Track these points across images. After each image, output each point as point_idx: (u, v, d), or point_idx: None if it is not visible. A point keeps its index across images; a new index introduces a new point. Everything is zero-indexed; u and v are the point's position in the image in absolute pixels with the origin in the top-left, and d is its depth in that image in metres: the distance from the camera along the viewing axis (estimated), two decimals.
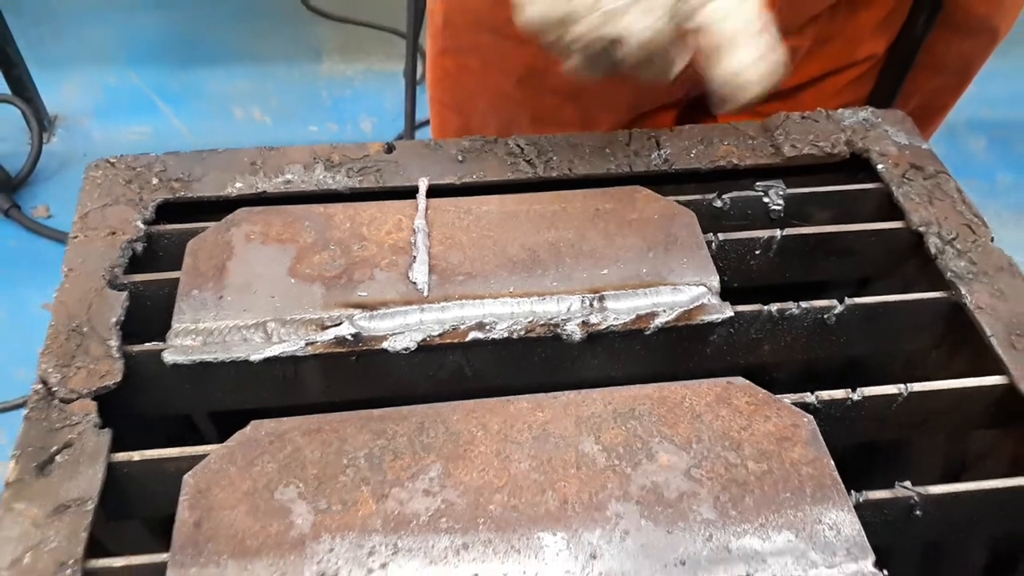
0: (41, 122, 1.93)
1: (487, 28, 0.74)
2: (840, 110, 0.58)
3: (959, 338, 0.48)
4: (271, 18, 2.40)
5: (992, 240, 0.51)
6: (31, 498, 0.38)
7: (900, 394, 0.44)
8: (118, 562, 0.37)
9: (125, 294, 0.46)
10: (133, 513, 0.41)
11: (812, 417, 0.40)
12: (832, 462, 0.39)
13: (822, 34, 0.71)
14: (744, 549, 0.36)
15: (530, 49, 0.71)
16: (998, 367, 0.45)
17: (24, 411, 0.42)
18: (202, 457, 0.39)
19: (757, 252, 0.51)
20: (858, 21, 0.71)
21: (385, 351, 0.43)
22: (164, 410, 0.46)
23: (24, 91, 1.93)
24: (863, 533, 0.36)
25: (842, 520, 0.37)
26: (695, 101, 0.74)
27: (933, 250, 0.50)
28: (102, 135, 2.02)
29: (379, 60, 2.31)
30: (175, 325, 0.44)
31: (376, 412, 0.40)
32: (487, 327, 0.44)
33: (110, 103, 2.12)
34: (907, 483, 0.40)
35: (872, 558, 0.36)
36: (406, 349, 0.43)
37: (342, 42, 2.36)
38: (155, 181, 0.52)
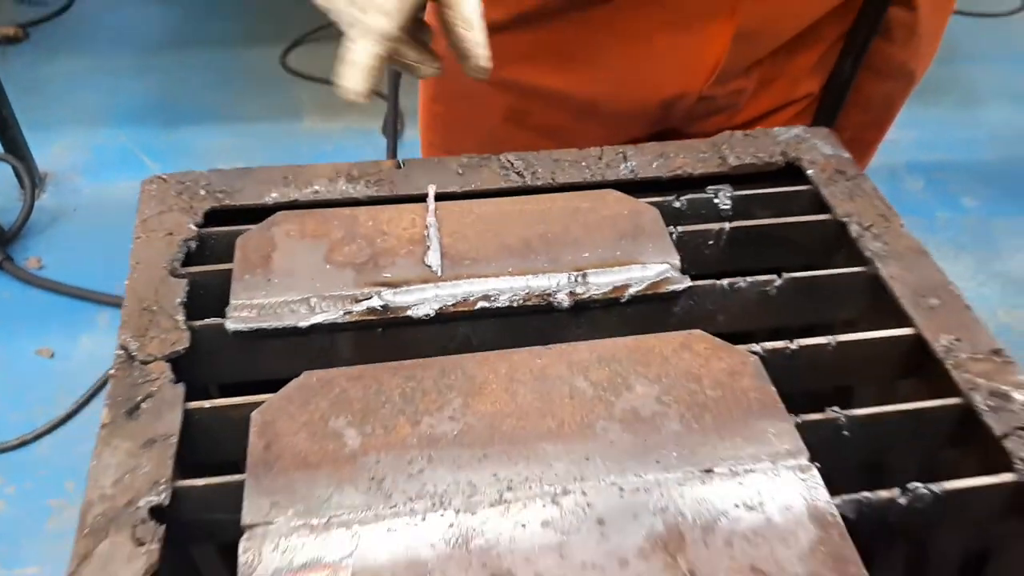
0: (33, 179, 2.02)
1: None
2: (776, 128, 0.70)
3: (877, 303, 0.58)
4: (253, 79, 2.53)
5: (902, 226, 0.62)
6: (124, 436, 0.46)
7: (829, 344, 0.54)
8: (201, 481, 0.45)
9: (185, 281, 0.55)
10: (204, 453, 0.49)
11: (757, 357, 0.50)
12: (774, 389, 0.48)
13: (765, 76, 0.83)
14: (705, 451, 0.45)
15: (511, 93, 0.83)
16: (908, 322, 0.55)
17: (103, 379, 0.50)
18: (260, 404, 0.47)
19: (710, 242, 0.62)
20: (796, 64, 0.83)
21: (409, 319, 0.53)
22: (223, 376, 0.54)
23: (17, 150, 2.02)
24: (799, 437, 0.46)
25: (783, 429, 0.46)
26: (659, 135, 0.85)
27: (854, 235, 0.61)
28: (91, 191, 2.10)
29: (356, 119, 2.44)
30: (233, 302, 0.52)
31: (406, 363, 0.49)
32: (491, 298, 0.54)
33: (98, 161, 2.21)
34: (836, 407, 0.50)
35: (807, 455, 0.45)
36: (427, 315, 0.52)
37: (321, 101, 2.49)
38: (202, 192, 0.62)
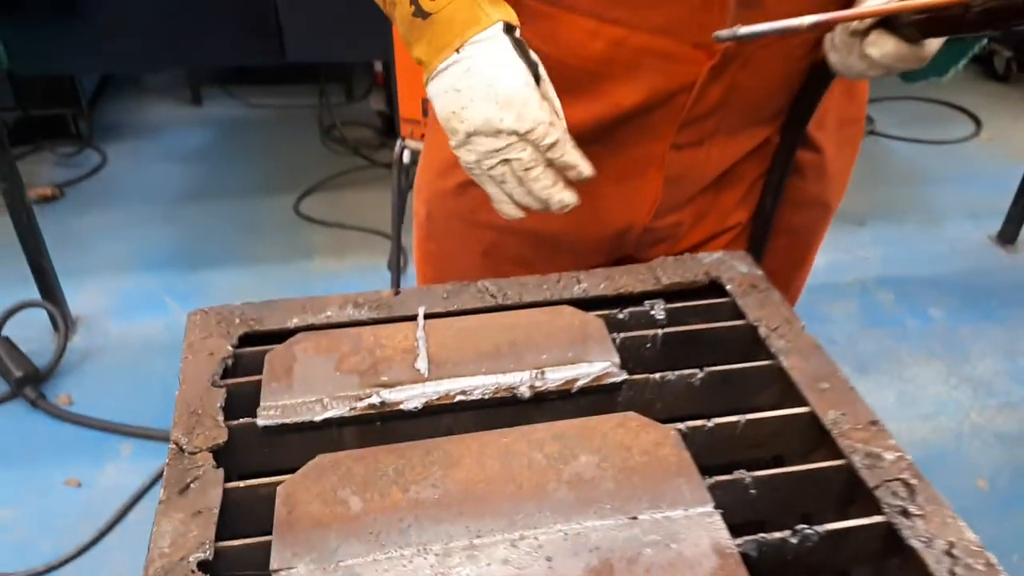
0: (66, 323, 2.19)
1: (457, 217, 1.02)
2: (701, 253, 0.86)
3: (781, 388, 0.72)
4: (269, 225, 2.75)
5: (803, 328, 0.76)
6: (177, 509, 0.59)
7: (739, 421, 0.67)
8: (237, 542, 0.57)
9: (224, 391, 0.69)
10: (239, 522, 0.61)
11: (677, 432, 0.63)
12: (689, 455, 0.61)
13: (698, 210, 0.99)
14: (632, 503, 0.57)
15: (490, 231, 0.99)
16: (804, 403, 0.68)
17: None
18: (283, 482, 0.60)
19: (648, 345, 0.76)
20: (723, 200, 1.00)
21: (401, 411, 0.66)
22: (253, 465, 0.67)
23: (52, 296, 2.21)
24: (707, 492, 0.58)
25: (695, 486, 0.59)
26: (617, 262, 1.01)
27: (763, 336, 0.75)
28: (118, 331, 2.27)
29: (364, 257, 2.64)
30: (263, 404, 0.66)
31: (398, 445, 0.62)
32: (467, 392, 0.67)
33: (126, 304, 2.39)
34: (743, 470, 0.62)
35: (712, 504, 0.57)
36: (415, 408, 0.66)
37: (331, 243, 2.70)
38: (237, 321, 0.77)
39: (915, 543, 0.57)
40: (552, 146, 0.73)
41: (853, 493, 0.62)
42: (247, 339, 0.76)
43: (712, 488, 0.59)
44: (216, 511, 0.59)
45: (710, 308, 0.80)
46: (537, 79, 0.72)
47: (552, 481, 0.59)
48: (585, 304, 0.79)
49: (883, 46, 0.74)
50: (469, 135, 0.72)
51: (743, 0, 0.76)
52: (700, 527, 0.56)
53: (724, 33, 0.73)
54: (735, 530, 0.56)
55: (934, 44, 0.75)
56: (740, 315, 0.79)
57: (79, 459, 1.86)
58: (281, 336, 0.75)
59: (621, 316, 0.79)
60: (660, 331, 0.76)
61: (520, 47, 0.72)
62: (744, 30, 0.73)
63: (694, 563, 0.54)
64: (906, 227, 2.77)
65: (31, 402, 1.99)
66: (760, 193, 1.00)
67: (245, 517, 0.61)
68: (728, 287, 0.81)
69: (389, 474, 0.60)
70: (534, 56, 0.73)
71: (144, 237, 2.67)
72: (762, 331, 0.76)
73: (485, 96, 0.70)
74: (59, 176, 2.95)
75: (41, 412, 1.98)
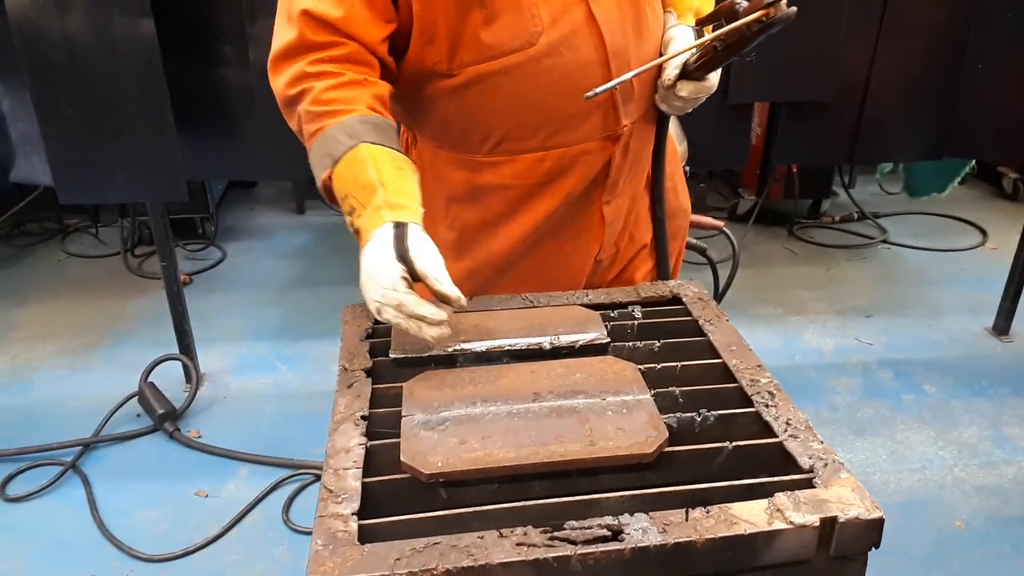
0: (197, 374, 2.70)
1: None
2: (669, 281, 1.30)
3: (708, 351, 1.14)
4: (350, 300, 3.27)
5: (727, 320, 1.19)
6: (344, 396, 1.04)
7: (677, 366, 1.09)
8: (380, 410, 1.02)
9: (368, 342, 1.15)
10: (379, 406, 1.05)
11: (635, 366, 1.06)
12: (642, 377, 1.04)
13: (620, 241, 1.43)
14: (604, 392, 1.00)
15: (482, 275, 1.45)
16: (719, 356, 1.11)
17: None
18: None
19: (628, 331, 1.20)
20: (635, 228, 1.45)
21: (473, 352, 1.11)
22: (386, 379, 1.12)
23: (189, 353, 2.73)
24: (648, 391, 1.01)
25: (642, 387, 1.01)
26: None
27: (701, 324, 1.18)
28: (236, 385, 2.77)
29: None
30: (393, 346, 1.12)
31: (470, 368, 1.07)
32: (512, 347, 1.12)
33: (242, 364, 2.90)
34: (674, 387, 1.04)
35: (649, 394, 1.00)
36: (480, 350, 1.11)
37: None
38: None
39: (768, 419, 0.98)
40: (400, 305, 1.03)
41: (741, 400, 1.04)
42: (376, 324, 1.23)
43: (654, 395, 1.02)
44: (368, 397, 1.04)
45: (671, 311, 1.24)
46: (406, 262, 1.03)
47: (558, 383, 1.03)
48: (589, 307, 1.24)
49: (685, 88, 1.25)
50: (372, 302, 1.06)
51: (625, 99, 1.25)
52: (642, 406, 0.99)
53: (589, 94, 1.13)
54: (664, 406, 0.99)
55: (715, 76, 1.26)
56: (689, 314, 1.22)
57: (206, 477, 2.32)
58: None
59: (613, 314, 1.23)
60: (636, 321, 1.20)
61: (399, 244, 1.03)
62: (598, 89, 1.12)
63: (638, 419, 0.96)
64: (909, 319, 3.13)
65: (169, 434, 2.48)
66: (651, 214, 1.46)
67: (384, 404, 1.06)
68: (684, 299, 1.26)
69: (465, 380, 1.05)
70: (418, 245, 1.04)
71: (256, 315, 3.23)
72: (701, 323, 1.19)
73: (376, 280, 1.04)
74: (190, 267, 3.58)
75: (177, 442, 2.47)
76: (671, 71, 1.27)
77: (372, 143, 1.10)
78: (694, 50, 1.22)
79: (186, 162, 2.37)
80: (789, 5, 1.08)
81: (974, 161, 3.36)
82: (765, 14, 1.09)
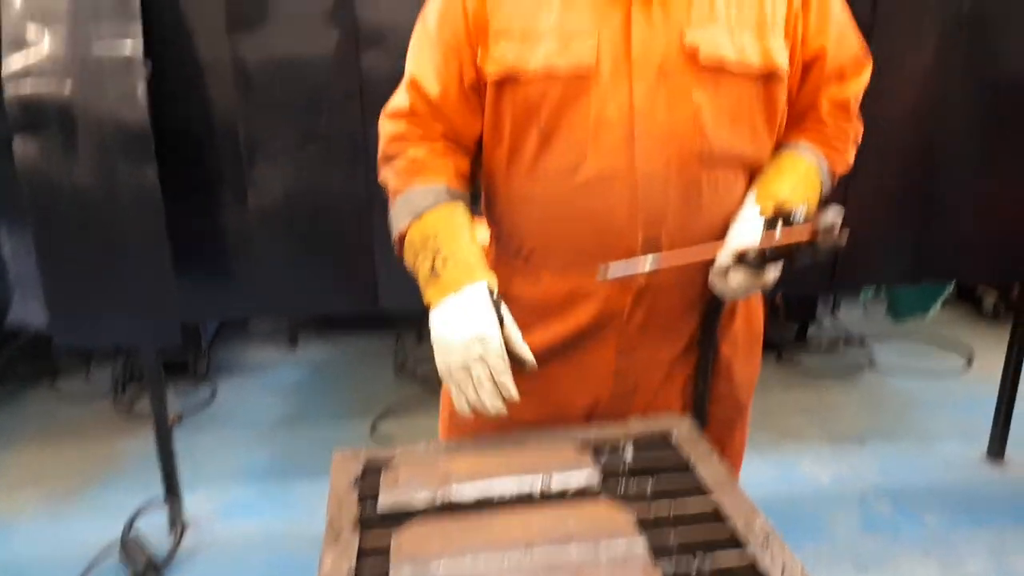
0: (182, 522, 2.64)
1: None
2: (660, 418, 1.32)
3: (696, 488, 1.14)
4: (346, 445, 3.24)
5: (717, 460, 1.20)
6: (331, 545, 1.03)
7: (672, 503, 1.09)
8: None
9: (357, 490, 1.15)
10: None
11: (631, 516, 1.06)
12: (635, 523, 1.03)
13: (645, 401, 1.44)
14: (593, 539, 0.99)
15: (498, 421, 1.42)
16: (708, 492, 1.11)
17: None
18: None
19: (620, 471, 1.20)
20: (665, 393, 1.44)
21: (460, 504, 1.11)
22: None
23: (175, 496, 2.68)
24: (645, 542, 1.00)
25: (634, 537, 1.01)
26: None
27: (691, 465, 1.19)
28: (222, 530, 2.71)
29: None
30: (381, 497, 1.12)
31: (465, 514, 1.07)
32: (502, 494, 1.12)
33: (230, 507, 2.85)
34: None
35: (645, 547, 0.99)
36: (471, 500, 1.11)
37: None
38: (362, 457, 1.24)
39: (764, 567, 0.97)
40: (490, 365, 1.12)
41: (735, 544, 1.03)
42: (369, 466, 1.23)
43: (647, 541, 1.01)
44: (355, 551, 1.03)
45: (661, 448, 1.25)
46: (501, 323, 1.14)
47: (551, 532, 1.02)
48: (582, 443, 1.25)
49: (734, 279, 1.25)
50: (450, 350, 1.14)
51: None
52: (636, 556, 0.98)
53: (600, 276, 1.22)
54: (658, 553, 0.98)
55: (773, 272, 1.25)
56: (681, 453, 1.23)
57: None
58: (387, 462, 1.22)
59: (604, 450, 1.24)
60: (627, 459, 1.21)
61: (495, 301, 1.15)
62: (609, 275, 1.21)
63: (632, 570, 0.95)
64: (902, 445, 3.11)
65: None
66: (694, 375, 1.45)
67: (372, 555, 1.05)
68: (673, 438, 1.27)
69: (454, 529, 1.04)
70: (504, 309, 1.16)
71: (246, 456, 3.18)
72: (691, 462, 1.20)
73: (466, 328, 1.13)
74: (179, 406, 3.55)
75: None
76: (725, 258, 1.25)
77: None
78: (738, 245, 1.22)
79: (181, 304, 2.41)
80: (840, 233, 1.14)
81: (952, 284, 3.45)
82: (812, 240, 1.15)
